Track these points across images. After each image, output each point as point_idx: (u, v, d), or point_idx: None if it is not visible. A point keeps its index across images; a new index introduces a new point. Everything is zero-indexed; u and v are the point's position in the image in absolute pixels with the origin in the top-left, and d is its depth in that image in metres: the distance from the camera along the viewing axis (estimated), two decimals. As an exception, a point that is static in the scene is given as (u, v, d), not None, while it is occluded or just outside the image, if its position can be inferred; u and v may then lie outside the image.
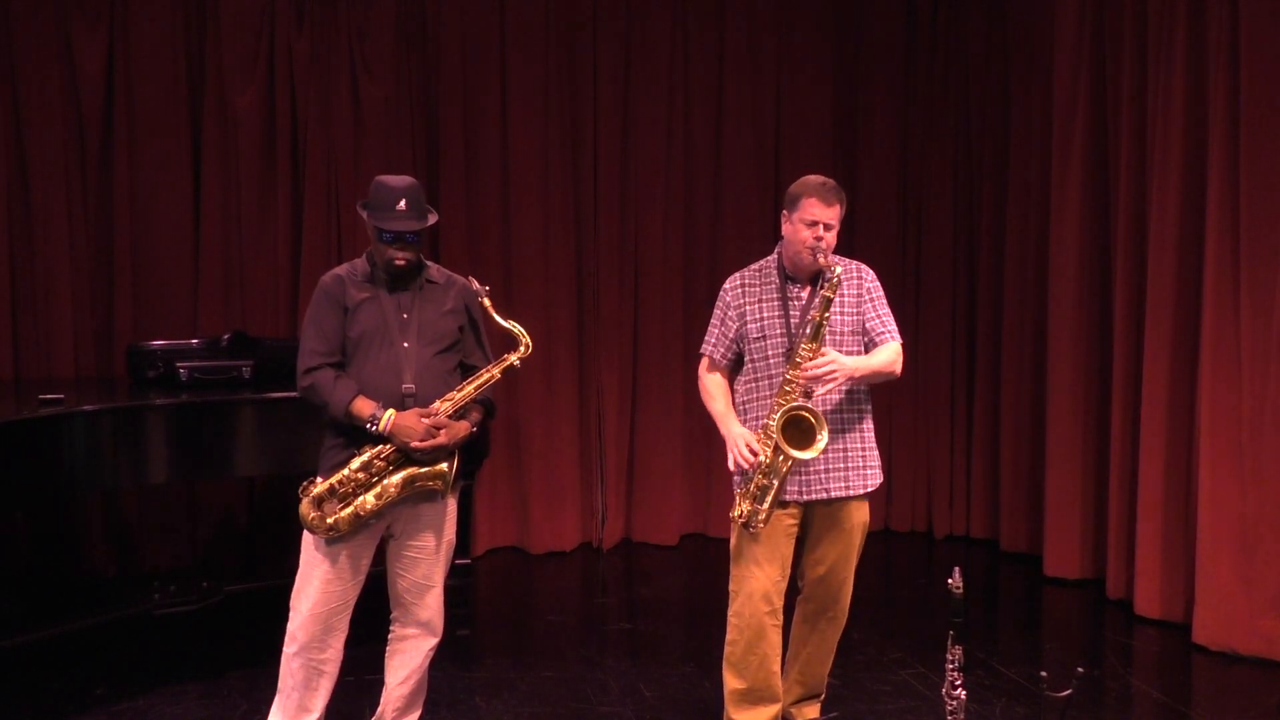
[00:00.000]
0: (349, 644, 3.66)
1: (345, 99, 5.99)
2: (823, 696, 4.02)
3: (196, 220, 5.94)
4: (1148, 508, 5.17)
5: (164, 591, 5.44)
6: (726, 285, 3.86)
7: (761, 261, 3.85)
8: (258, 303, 5.94)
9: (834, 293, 3.58)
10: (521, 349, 3.65)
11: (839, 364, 3.55)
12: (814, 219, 3.64)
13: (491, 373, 3.60)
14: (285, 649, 3.55)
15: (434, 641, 3.71)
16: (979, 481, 6.59)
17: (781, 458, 3.55)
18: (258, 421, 4.82)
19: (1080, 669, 3.71)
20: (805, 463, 3.60)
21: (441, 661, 4.70)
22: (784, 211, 3.74)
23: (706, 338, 3.90)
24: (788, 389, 3.59)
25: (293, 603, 3.56)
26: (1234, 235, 4.76)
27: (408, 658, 3.68)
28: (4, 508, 5.06)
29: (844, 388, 3.67)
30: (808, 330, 3.59)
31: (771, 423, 3.56)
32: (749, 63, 6.54)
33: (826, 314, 3.58)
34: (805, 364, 3.55)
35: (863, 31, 6.67)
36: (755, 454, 3.57)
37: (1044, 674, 3.88)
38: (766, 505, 3.60)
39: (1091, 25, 5.57)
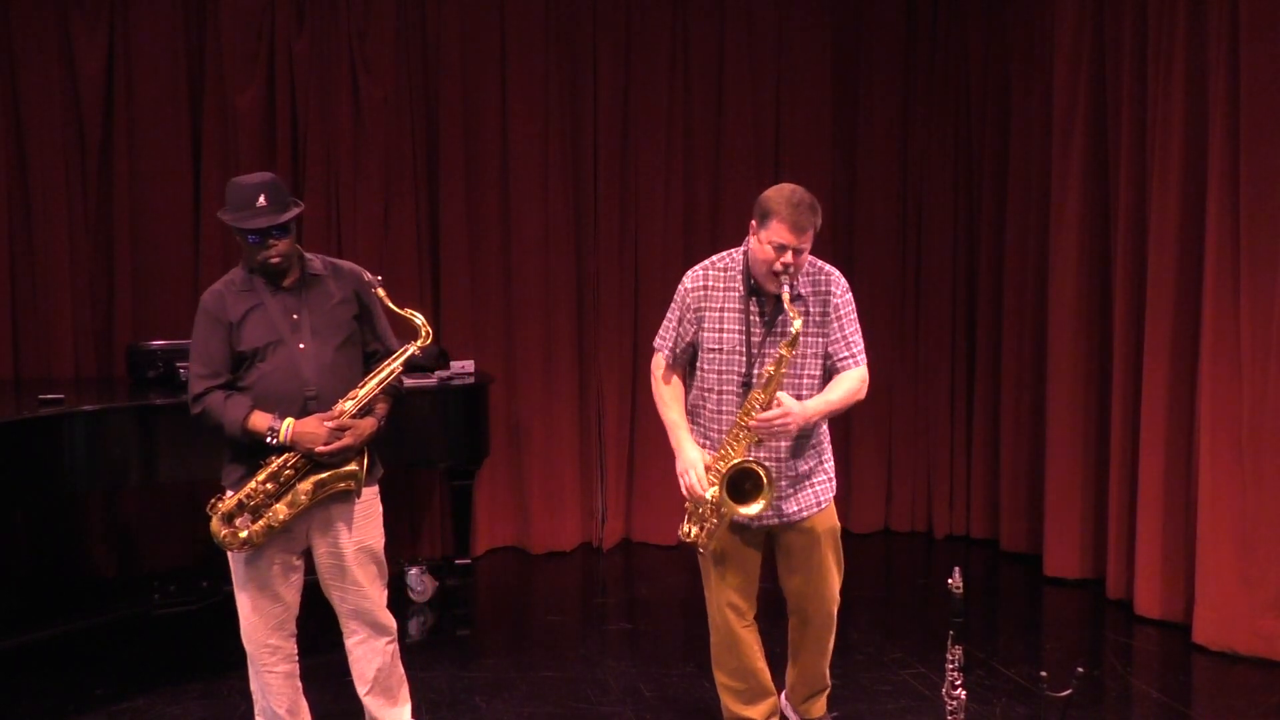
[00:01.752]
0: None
1: (345, 99, 5.99)
2: (828, 690, 3.99)
3: (196, 220, 5.94)
4: (1148, 508, 5.17)
5: (164, 591, 5.45)
6: (687, 283, 3.64)
7: (727, 258, 3.63)
8: (258, 303, 5.93)
9: (790, 350, 3.41)
10: (422, 337, 3.56)
11: (793, 415, 3.41)
12: (782, 243, 3.40)
13: (392, 366, 3.53)
14: (247, 659, 3.61)
15: (387, 639, 3.67)
16: (979, 481, 6.58)
17: (725, 508, 3.48)
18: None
19: (1080, 669, 3.71)
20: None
21: (441, 661, 4.73)
22: (753, 220, 3.49)
23: (663, 332, 3.72)
24: (738, 433, 3.47)
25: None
26: (1234, 235, 4.76)
27: (367, 662, 3.66)
28: (4, 508, 5.06)
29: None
30: (762, 380, 3.44)
31: (719, 468, 3.46)
32: (749, 62, 6.53)
33: (783, 369, 3.42)
34: (756, 415, 3.41)
35: (863, 31, 6.66)
36: (703, 488, 3.48)
37: (1044, 674, 3.88)
38: (708, 535, 3.56)
39: (1091, 25, 5.56)
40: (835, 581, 3.77)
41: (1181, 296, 5.04)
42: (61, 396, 4.61)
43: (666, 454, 6.45)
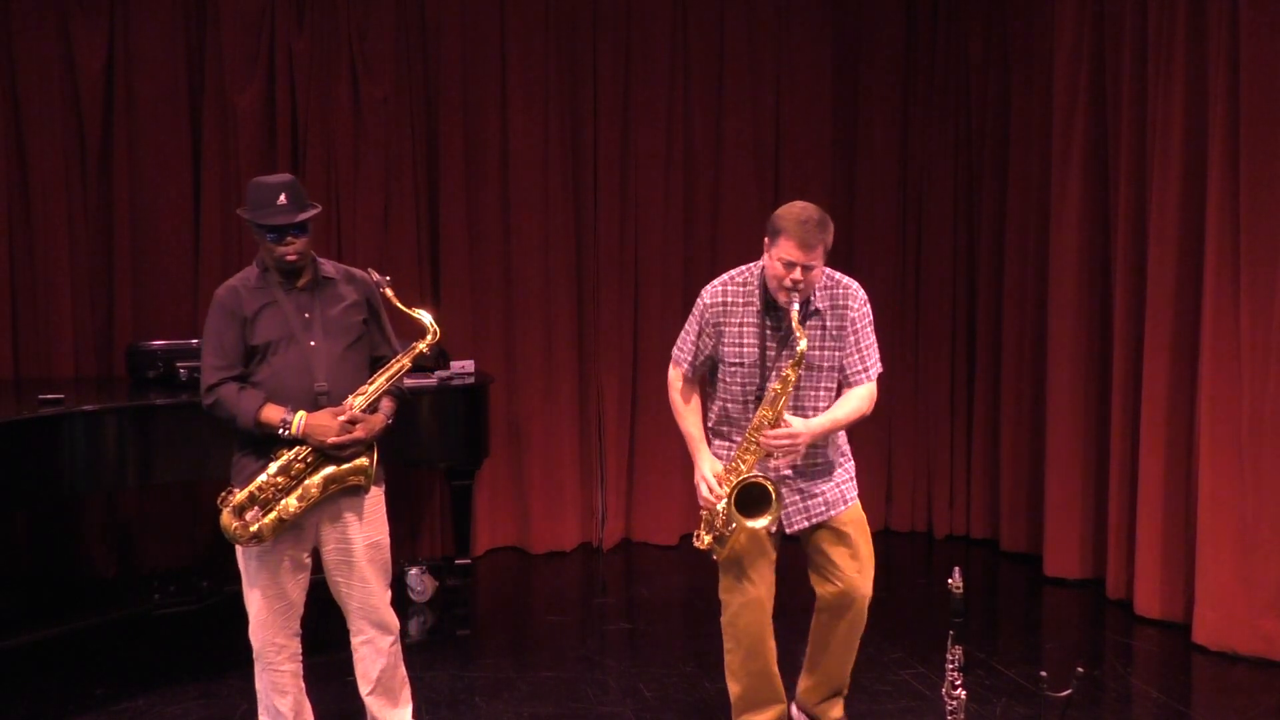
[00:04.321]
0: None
1: (345, 99, 5.99)
2: (845, 693, 3.97)
3: (196, 220, 5.94)
4: (1148, 508, 5.17)
5: (164, 591, 5.45)
6: (706, 298, 3.65)
7: (745, 272, 3.65)
8: (258, 303, 5.93)
9: (796, 370, 3.46)
10: (429, 336, 3.63)
11: (801, 436, 3.49)
12: (790, 260, 3.43)
13: (402, 362, 3.59)
14: (254, 655, 3.62)
15: (392, 638, 3.70)
16: (979, 481, 6.59)
17: (734, 521, 3.53)
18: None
19: (1080, 669, 3.71)
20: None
21: (441, 661, 4.73)
22: (766, 238, 3.52)
23: (681, 344, 3.75)
24: (749, 446, 3.54)
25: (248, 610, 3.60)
26: (1234, 235, 4.76)
27: (371, 662, 3.68)
28: (4, 508, 5.06)
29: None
30: (769, 397, 3.49)
31: (730, 480, 3.53)
32: (749, 61, 6.53)
33: (789, 389, 3.48)
34: (764, 431, 3.48)
35: (863, 31, 6.67)
36: (717, 497, 3.55)
37: (1044, 674, 3.88)
38: (720, 544, 3.63)
39: (1091, 26, 5.56)
40: (872, 570, 3.77)
41: (1181, 296, 5.04)
42: (61, 396, 4.61)
43: (666, 454, 6.54)
